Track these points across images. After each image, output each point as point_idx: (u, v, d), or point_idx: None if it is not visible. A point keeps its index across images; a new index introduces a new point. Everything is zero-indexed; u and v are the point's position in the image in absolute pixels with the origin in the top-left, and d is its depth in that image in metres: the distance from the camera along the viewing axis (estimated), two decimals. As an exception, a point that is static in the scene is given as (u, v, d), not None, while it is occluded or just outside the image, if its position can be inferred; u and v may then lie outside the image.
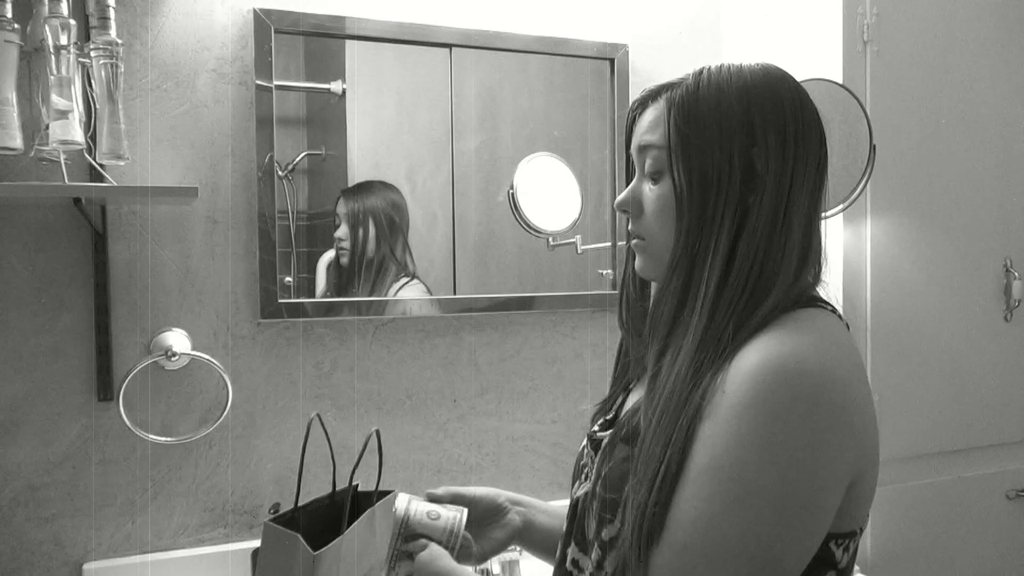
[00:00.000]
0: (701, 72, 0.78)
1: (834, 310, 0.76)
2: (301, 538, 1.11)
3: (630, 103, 0.85)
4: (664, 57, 1.72)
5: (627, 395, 0.91)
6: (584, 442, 0.93)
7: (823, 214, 0.80)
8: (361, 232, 1.48)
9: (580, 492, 0.86)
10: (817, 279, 0.78)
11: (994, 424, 1.65)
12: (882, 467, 1.56)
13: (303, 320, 1.45)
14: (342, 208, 1.48)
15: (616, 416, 0.89)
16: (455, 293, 1.54)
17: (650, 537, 0.68)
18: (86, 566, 1.34)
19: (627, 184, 0.84)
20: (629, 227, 0.84)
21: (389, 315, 1.50)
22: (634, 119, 0.84)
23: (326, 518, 1.21)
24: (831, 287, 0.77)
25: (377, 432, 1.28)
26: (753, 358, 0.67)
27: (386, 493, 1.28)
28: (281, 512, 1.20)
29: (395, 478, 1.52)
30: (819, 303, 0.76)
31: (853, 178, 1.46)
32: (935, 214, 1.58)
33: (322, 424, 1.24)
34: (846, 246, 1.50)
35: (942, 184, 1.58)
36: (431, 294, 1.53)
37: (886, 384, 1.53)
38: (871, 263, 1.52)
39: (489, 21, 1.56)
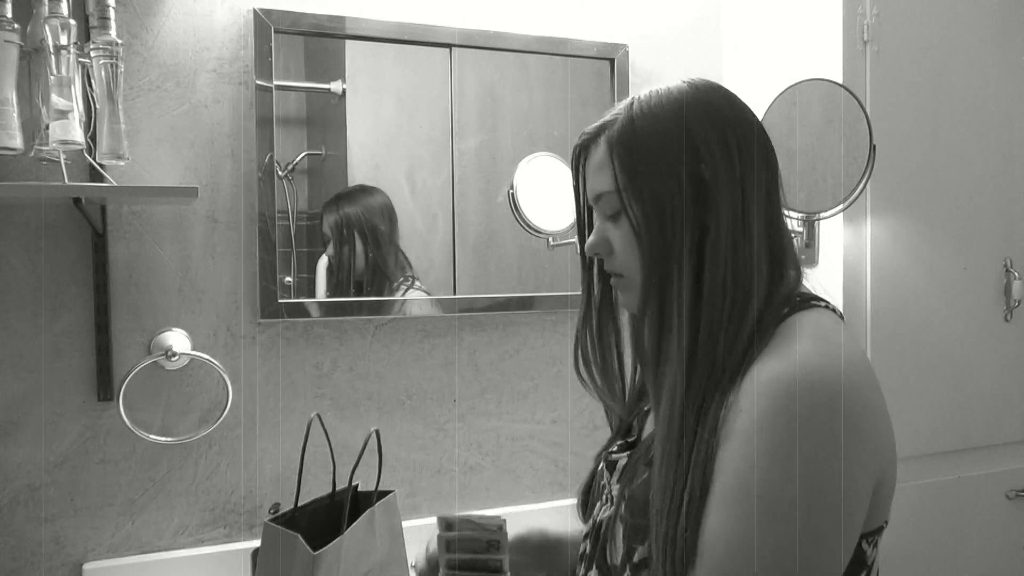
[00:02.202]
0: (632, 103, 0.80)
1: (827, 304, 0.77)
2: (301, 538, 1.11)
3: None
4: (664, 57, 1.72)
5: (647, 417, 0.91)
6: (599, 464, 0.93)
7: (786, 211, 0.81)
8: (347, 249, 1.48)
9: (603, 515, 0.86)
10: (800, 275, 0.79)
11: (994, 424, 1.65)
12: (882, 467, 1.56)
13: (303, 320, 1.45)
14: (324, 227, 1.47)
15: (638, 438, 0.90)
16: (455, 293, 1.54)
17: (684, 564, 0.68)
18: (86, 566, 1.34)
19: (581, 224, 0.89)
20: (599, 268, 0.87)
21: (389, 315, 1.50)
22: (581, 163, 0.86)
23: (326, 518, 1.21)
24: (824, 282, 0.77)
25: (377, 432, 1.28)
26: (766, 372, 0.68)
27: (386, 493, 1.28)
28: (281, 512, 1.20)
29: (395, 478, 1.52)
30: (814, 302, 0.76)
31: (853, 178, 1.46)
32: (935, 214, 1.58)
33: (322, 424, 1.24)
34: (846, 246, 1.50)
35: (942, 184, 1.58)
36: (428, 295, 1.53)
37: (886, 384, 1.51)
38: (871, 263, 1.52)
39: (489, 21, 1.56)
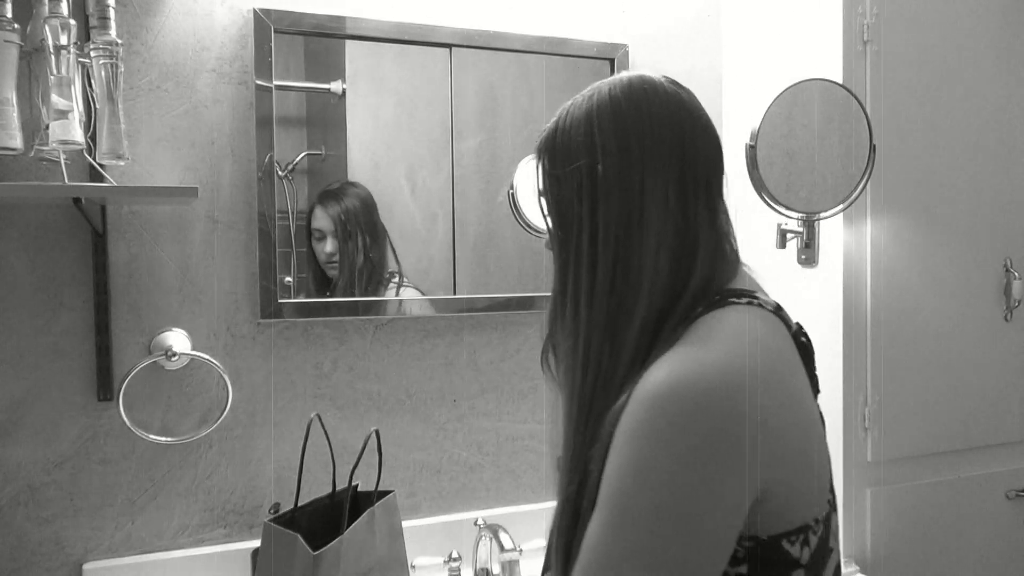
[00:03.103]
0: (567, 109, 0.81)
1: (755, 301, 0.75)
2: (300, 538, 1.11)
3: None
4: (664, 57, 1.72)
5: None
6: None
7: (722, 205, 0.80)
8: (351, 245, 1.47)
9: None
10: (725, 271, 0.78)
11: (994, 424, 1.65)
12: (882, 467, 1.57)
13: (303, 320, 1.45)
14: (323, 221, 1.46)
15: None
16: (455, 293, 1.54)
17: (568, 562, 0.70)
18: (86, 566, 1.34)
19: None
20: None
21: (389, 315, 1.50)
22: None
23: (326, 518, 1.21)
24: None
25: (376, 432, 1.28)
26: (644, 385, 0.68)
27: (386, 493, 1.28)
28: (281, 512, 1.20)
29: (395, 478, 1.52)
30: (734, 300, 0.74)
31: (853, 178, 1.46)
32: (935, 214, 1.58)
33: (322, 424, 1.24)
34: (846, 246, 1.50)
35: (942, 184, 1.58)
36: (424, 295, 1.53)
37: (886, 384, 1.53)
38: (871, 263, 1.52)
39: (489, 21, 1.56)
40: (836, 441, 1.52)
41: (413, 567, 1.46)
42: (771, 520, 0.68)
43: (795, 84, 1.45)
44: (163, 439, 1.37)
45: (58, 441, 1.33)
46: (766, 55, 1.67)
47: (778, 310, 0.76)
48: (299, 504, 1.21)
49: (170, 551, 1.39)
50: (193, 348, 1.39)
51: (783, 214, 1.51)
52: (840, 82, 1.46)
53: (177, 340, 1.38)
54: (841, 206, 1.47)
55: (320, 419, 1.24)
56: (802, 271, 1.58)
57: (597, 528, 0.67)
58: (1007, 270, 1.65)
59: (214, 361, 1.38)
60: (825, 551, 0.73)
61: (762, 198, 1.49)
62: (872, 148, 1.44)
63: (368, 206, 1.49)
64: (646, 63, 1.69)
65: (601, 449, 0.70)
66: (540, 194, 0.82)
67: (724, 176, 0.81)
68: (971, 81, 1.60)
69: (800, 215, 1.51)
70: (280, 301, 1.42)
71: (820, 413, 0.78)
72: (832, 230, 1.52)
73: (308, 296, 1.45)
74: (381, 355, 1.52)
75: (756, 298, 0.75)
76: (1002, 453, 1.67)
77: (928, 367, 1.58)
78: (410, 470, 1.54)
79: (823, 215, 1.49)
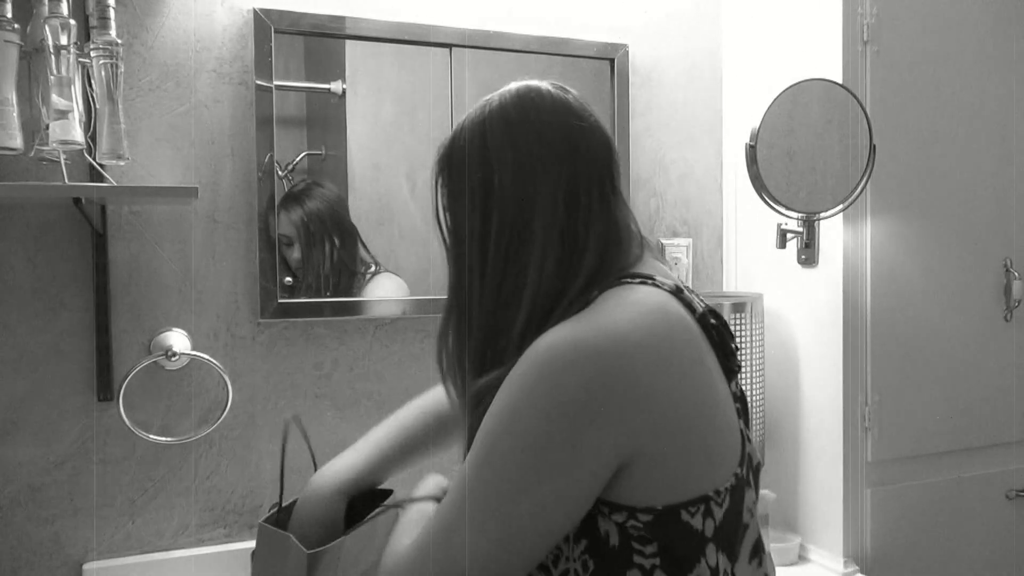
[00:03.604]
0: (461, 123, 0.83)
1: (646, 281, 0.76)
2: (293, 538, 1.11)
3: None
4: (664, 57, 1.72)
5: None
6: None
7: (617, 198, 0.81)
8: (316, 251, 1.46)
9: None
10: (624, 259, 0.79)
11: (994, 424, 1.65)
12: (882, 467, 1.57)
13: (303, 320, 1.45)
14: (288, 228, 1.43)
15: None
16: (455, 293, 1.54)
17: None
18: (86, 566, 1.34)
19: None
20: None
21: (389, 315, 1.50)
22: None
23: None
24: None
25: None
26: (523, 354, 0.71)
27: (387, 493, 1.27)
28: (269, 513, 1.19)
29: (394, 477, 1.52)
30: (627, 280, 0.76)
31: (853, 178, 1.46)
32: (935, 214, 1.58)
33: (300, 428, 1.22)
34: (846, 246, 1.50)
35: (942, 184, 1.58)
36: (405, 284, 1.52)
37: (886, 384, 1.53)
38: (871, 263, 1.52)
39: (489, 21, 1.56)
40: (836, 441, 1.52)
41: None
42: (661, 488, 0.70)
43: (795, 84, 1.46)
44: (163, 439, 1.37)
45: (58, 441, 1.33)
46: (766, 55, 1.67)
47: (678, 291, 0.76)
48: (284, 505, 1.20)
49: (170, 551, 1.39)
50: (193, 348, 1.39)
51: (783, 214, 1.51)
52: (840, 82, 1.46)
53: (177, 340, 1.38)
54: (841, 206, 1.47)
55: (298, 422, 1.23)
56: (802, 271, 1.58)
57: (465, 469, 0.70)
58: (1007, 270, 1.65)
59: (214, 361, 1.38)
60: (737, 525, 0.74)
61: (762, 198, 1.49)
62: (872, 148, 1.44)
63: (334, 207, 1.47)
64: (646, 63, 1.69)
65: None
66: (440, 211, 0.84)
67: (616, 170, 0.82)
68: (971, 81, 1.60)
69: (800, 215, 1.51)
70: (280, 301, 1.42)
71: (739, 394, 0.79)
72: (832, 230, 1.52)
73: (309, 296, 1.45)
74: (381, 355, 1.52)
75: (653, 279, 0.76)
76: (1002, 453, 1.67)
77: (928, 367, 1.58)
78: (410, 470, 1.54)
79: (823, 215, 1.49)
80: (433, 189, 0.84)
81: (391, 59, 1.50)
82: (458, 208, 0.82)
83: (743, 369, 1.55)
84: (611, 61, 1.64)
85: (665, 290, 0.75)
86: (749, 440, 0.78)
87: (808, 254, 1.56)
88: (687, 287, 0.83)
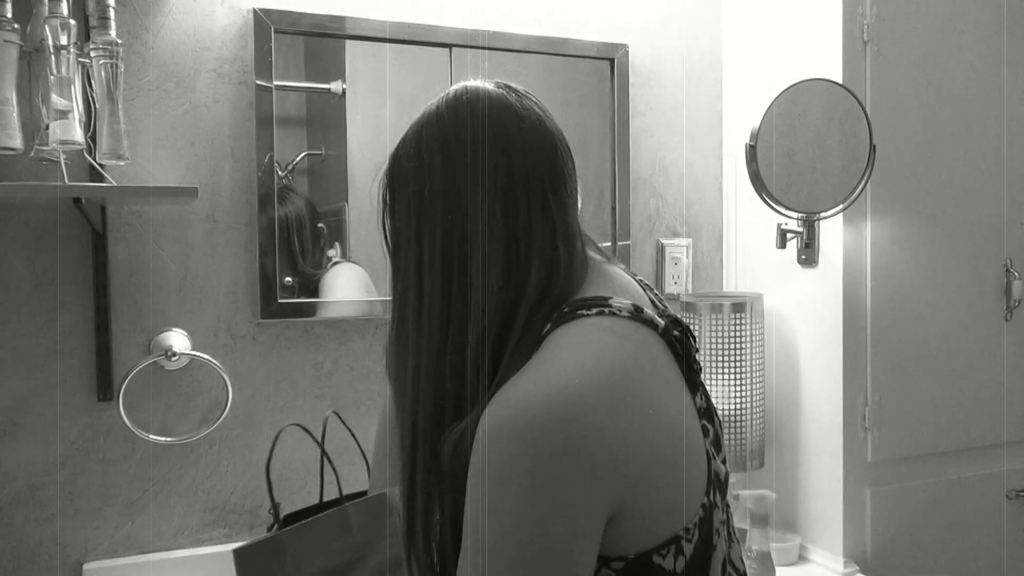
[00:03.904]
0: (405, 133, 0.79)
1: (603, 309, 0.70)
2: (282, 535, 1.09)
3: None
4: (664, 57, 1.72)
5: None
6: None
7: (562, 204, 0.76)
8: (285, 251, 1.45)
9: None
10: (573, 273, 0.74)
11: (994, 424, 1.65)
12: (883, 467, 1.57)
13: (303, 320, 1.45)
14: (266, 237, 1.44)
15: None
16: (455, 293, 1.54)
17: None
18: (86, 566, 1.34)
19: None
20: None
21: (389, 315, 1.50)
22: None
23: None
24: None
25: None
26: (488, 414, 0.65)
27: (360, 495, 1.25)
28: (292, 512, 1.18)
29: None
30: (582, 312, 0.70)
31: (853, 178, 1.46)
32: (935, 214, 1.58)
33: (308, 432, 1.21)
34: (846, 246, 1.50)
35: (942, 184, 1.58)
36: (364, 270, 1.51)
37: (886, 384, 1.53)
38: (871, 263, 1.52)
39: (489, 21, 1.56)
40: (836, 441, 1.52)
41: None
42: (635, 537, 0.67)
43: (795, 84, 1.46)
44: (163, 439, 1.37)
45: (58, 441, 1.33)
46: (766, 55, 1.67)
47: (637, 313, 0.71)
48: (281, 516, 1.18)
49: (170, 551, 1.39)
50: (193, 348, 1.39)
51: (783, 214, 1.51)
52: (840, 82, 1.46)
53: (177, 340, 1.38)
54: (841, 206, 1.47)
55: (339, 416, 1.22)
56: (802, 271, 1.58)
57: (461, 563, 0.65)
58: (1007, 270, 1.65)
59: (214, 361, 1.38)
60: (708, 554, 0.71)
61: (762, 198, 1.49)
62: (872, 148, 1.44)
63: (303, 213, 1.46)
64: (646, 63, 1.69)
65: (449, 483, 0.69)
66: (381, 227, 0.79)
67: (562, 172, 0.77)
68: (971, 81, 1.60)
69: (800, 215, 1.51)
70: (280, 301, 1.42)
71: (704, 406, 0.76)
72: (832, 230, 1.52)
73: (309, 296, 1.45)
74: (381, 355, 1.51)
75: (608, 305, 0.71)
76: (1002, 453, 1.67)
77: (928, 367, 1.58)
78: (410, 470, 1.54)
79: (823, 215, 1.49)
80: (379, 204, 0.79)
81: (391, 59, 1.50)
82: (396, 222, 0.77)
83: (744, 370, 1.55)
84: (611, 61, 1.64)
85: (624, 316, 0.70)
86: (714, 456, 0.74)
87: (808, 254, 1.56)
88: (649, 292, 0.80)
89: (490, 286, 0.71)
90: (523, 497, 0.62)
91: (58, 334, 1.33)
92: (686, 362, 0.73)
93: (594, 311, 0.70)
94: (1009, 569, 1.69)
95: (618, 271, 0.80)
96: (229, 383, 1.38)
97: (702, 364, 0.75)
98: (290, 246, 1.45)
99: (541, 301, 0.71)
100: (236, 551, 1.09)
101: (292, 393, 1.46)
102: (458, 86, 0.79)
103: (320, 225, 1.48)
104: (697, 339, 0.77)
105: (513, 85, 0.80)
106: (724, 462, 0.78)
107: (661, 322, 0.72)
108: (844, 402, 1.50)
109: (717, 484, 0.74)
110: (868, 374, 1.52)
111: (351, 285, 1.49)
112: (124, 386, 1.32)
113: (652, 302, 0.80)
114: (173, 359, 1.36)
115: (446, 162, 0.74)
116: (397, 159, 0.78)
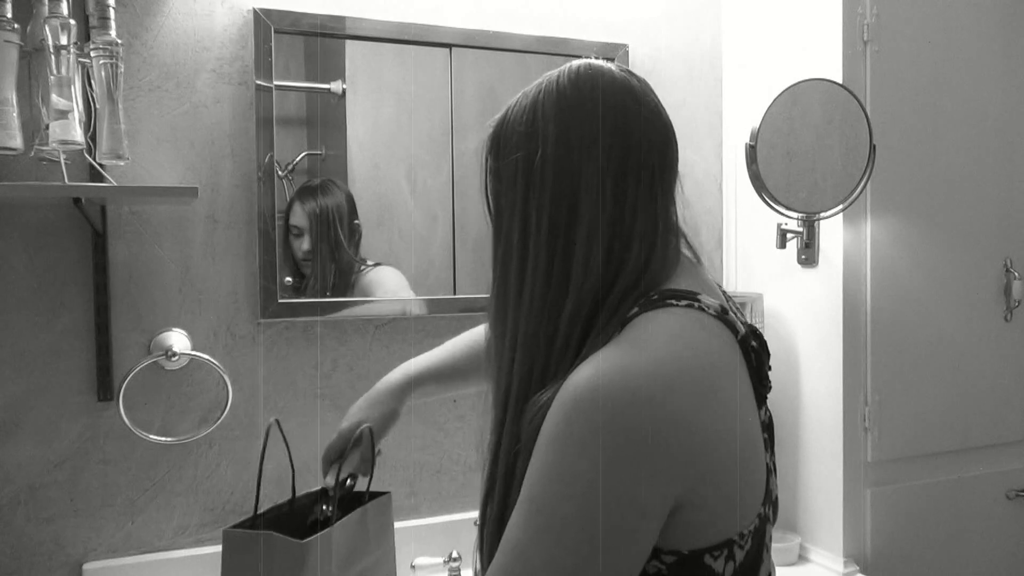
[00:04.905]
0: (516, 99, 0.80)
1: (692, 303, 0.71)
2: (276, 533, 1.08)
3: None
4: (664, 57, 1.72)
5: None
6: None
7: (669, 196, 0.77)
8: (323, 246, 1.46)
9: None
10: (667, 265, 0.75)
11: (994, 424, 1.65)
12: (883, 467, 1.57)
13: (303, 320, 1.45)
14: (300, 219, 1.45)
15: None
16: (455, 293, 1.54)
17: (489, 558, 0.70)
18: (86, 566, 1.34)
19: None
20: None
21: (389, 315, 1.50)
22: None
23: (289, 525, 1.18)
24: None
25: (370, 429, 1.26)
26: (567, 386, 0.66)
27: (379, 494, 1.25)
28: (241, 520, 1.17)
29: (395, 478, 1.52)
30: (672, 301, 0.70)
31: (853, 178, 1.46)
32: (935, 214, 1.58)
33: (281, 431, 1.21)
34: (846, 246, 1.50)
35: (942, 184, 1.58)
36: (403, 274, 1.52)
37: (886, 384, 1.53)
38: (871, 263, 1.52)
39: (489, 21, 1.56)
40: (836, 441, 1.52)
41: (413, 567, 1.46)
42: (693, 533, 0.67)
43: (795, 84, 1.46)
44: (163, 439, 1.37)
45: (58, 441, 1.33)
46: (766, 55, 1.67)
47: (723, 314, 0.72)
48: (259, 512, 1.17)
49: (170, 551, 1.39)
50: (193, 348, 1.39)
51: (783, 214, 1.51)
52: (840, 82, 1.46)
53: (177, 340, 1.38)
54: (841, 206, 1.47)
55: (279, 425, 1.21)
56: (802, 271, 1.58)
57: (519, 533, 0.65)
58: (1007, 270, 1.65)
59: (214, 361, 1.38)
60: (756, 566, 0.72)
61: (762, 198, 1.49)
62: (872, 148, 1.44)
63: (344, 206, 1.48)
64: (646, 63, 1.69)
65: (524, 446, 0.70)
66: (486, 190, 0.80)
67: (672, 166, 0.78)
68: (971, 81, 1.60)
69: (800, 215, 1.51)
70: (280, 301, 1.42)
71: (767, 421, 0.76)
72: (832, 230, 1.52)
73: (310, 296, 1.45)
74: (381, 355, 1.52)
75: (698, 300, 0.71)
76: (1002, 453, 1.67)
77: (928, 367, 1.58)
78: (410, 470, 1.54)
79: (823, 215, 1.49)
80: (482, 167, 0.81)
81: (391, 59, 1.50)
82: (500, 185, 0.78)
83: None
84: (611, 61, 1.64)
85: (710, 314, 0.71)
86: (773, 471, 0.75)
87: (808, 254, 1.56)
88: (730, 304, 0.80)
89: (592, 261, 0.72)
90: (599, 467, 0.63)
91: (58, 334, 1.33)
92: (758, 374, 0.74)
93: (683, 303, 0.70)
94: (1009, 569, 1.69)
95: (705, 272, 0.81)
96: (229, 383, 1.38)
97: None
98: (329, 238, 1.46)
99: (635, 284, 0.72)
100: (304, 545, 1.09)
101: (292, 393, 1.46)
102: (581, 62, 0.79)
103: (357, 222, 1.49)
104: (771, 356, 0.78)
105: (634, 72, 0.81)
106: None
107: (742, 329, 0.74)
108: (844, 402, 1.50)
109: (771, 500, 0.75)
110: (868, 374, 1.52)
111: (393, 291, 1.52)
112: (124, 386, 1.32)
113: (731, 310, 0.80)
114: (173, 359, 1.36)
115: (561, 131, 0.74)
116: (507, 123, 0.79)
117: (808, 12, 1.56)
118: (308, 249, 1.45)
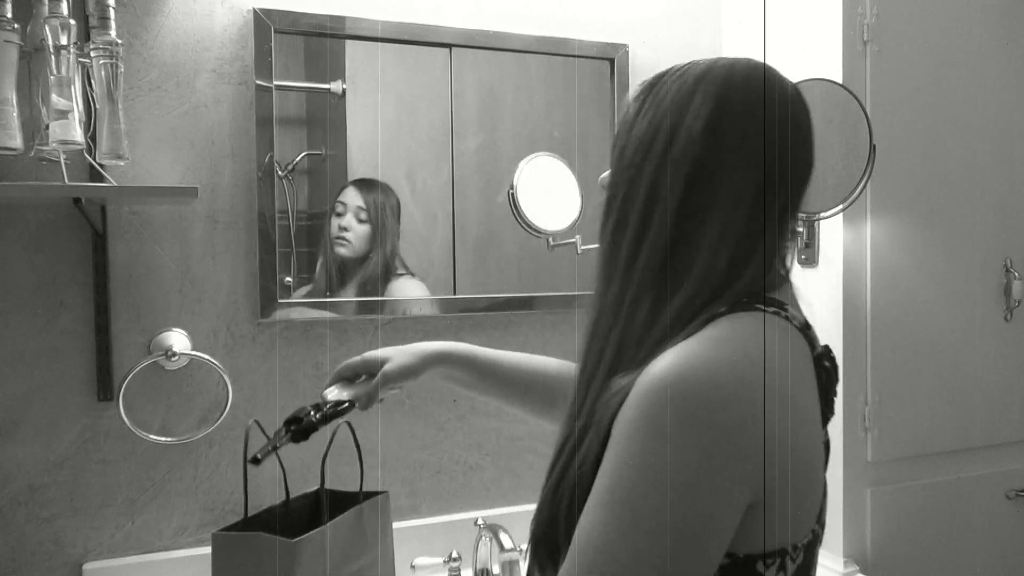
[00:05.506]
0: (679, 72, 0.77)
1: (780, 311, 0.72)
2: (265, 534, 1.08)
3: None
4: (664, 57, 1.71)
5: None
6: None
7: (792, 217, 0.77)
8: (368, 228, 1.48)
9: None
10: (771, 282, 0.75)
11: (994, 424, 1.65)
12: (883, 467, 1.57)
13: (303, 320, 1.45)
14: (354, 199, 1.47)
15: None
16: (455, 293, 1.54)
17: (553, 549, 0.69)
18: (86, 566, 1.34)
19: None
20: None
21: (389, 315, 1.50)
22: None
23: (283, 525, 1.18)
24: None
25: (350, 425, 1.25)
26: (650, 375, 0.65)
27: (375, 494, 1.25)
28: (232, 523, 1.16)
29: (394, 478, 1.52)
30: (757, 306, 0.71)
31: (853, 178, 1.45)
32: (935, 214, 1.58)
33: (262, 430, 1.21)
34: (846, 246, 1.50)
35: (942, 184, 1.58)
36: (428, 290, 1.53)
37: (886, 384, 1.53)
38: (871, 263, 1.52)
39: (489, 21, 1.56)
40: (836, 441, 1.52)
41: (413, 567, 1.46)
42: (751, 537, 0.66)
43: (795, 84, 1.45)
44: (163, 439, 1.37)
45: (58, 441, 1.33)
46: (766, 55, 1.67)
47: (805, 328, 0.73)
48: (248, 515, 1.17)
49: (170, 551, 1.39)
50: (193, 348, 1.39)
51: (783, 214, 1.51)
52: (840, 82, 1.46)
53: (177, 340, 1.38)
54: (841, 206, 1.47)
55: (259, 425, 1.21)
56: (802, 271, 1.58)
57: (600, 528, 0.64)
58: (1007, 270, 1.65)
59: (214, 361, 1.38)
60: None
61: (762, 198, 1.49)
62: (872, 148, 1.44)
63: (396, 204, 1.51)
64: (646, 63, 1.69)
65: (596, 423, 0.69)
66: (617, 137, 0.77)
67: (806, 184, 0.77)
68: (971, 81, 1.60)
69: (800, 215, 1.51)
70: (280, 301, 1.42)
71: (827, 440, 0.76)
72: (832, 230, 1.52)
73: (309, 294, 1.45)
74: (381, 355, 1.51)
75: (785, 309, 0.72)
76: (1002, 453, 1.67)
77: (928, 367, 1.58)
78: (410, 470, 1.54)
79: (823, 215, 1.49)
80: (626, 119, 0.77)
81: (391, 59, 1.50)
82: (625, 145, 0.75)
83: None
84: (611, 61, 1.64)
85: (795, 325, 0.72)
86: (825, 492, 0.75)
87: (808, 254, 1.56)
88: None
89: (718, 257, 0.71)
90: (686, 456, 0.62)
91: (58, 334, 1.33)
92: (825, 395, 0.74)
93: (771, 310, 0.71)
94: (1009, 569, 1.69)
95: (792, 286, 0.81)
96: (229, 383, 1.38)
97: None
98: (384, 230, 1.49)
99: (749, 288, 0.72)
100: (295, 544, 1.07)
101: (292, 393, 1.46)
102: (756, 61, 0.77)
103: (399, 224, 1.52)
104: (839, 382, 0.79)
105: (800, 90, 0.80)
106: None
107: (819, 347, 0.74)
108: (844, 402, 1.50)
109: (822, 520, 0.75)
110: (868, 374, 1.52)
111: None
112: (124, 386, 1.32)
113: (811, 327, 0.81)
114: (173, 359, 1.36)
115: (722, 119, 0.73)
116: (661, 84, 0.76)
117: (808, 12, 1.56)
118: (344, 226, 1.46)
